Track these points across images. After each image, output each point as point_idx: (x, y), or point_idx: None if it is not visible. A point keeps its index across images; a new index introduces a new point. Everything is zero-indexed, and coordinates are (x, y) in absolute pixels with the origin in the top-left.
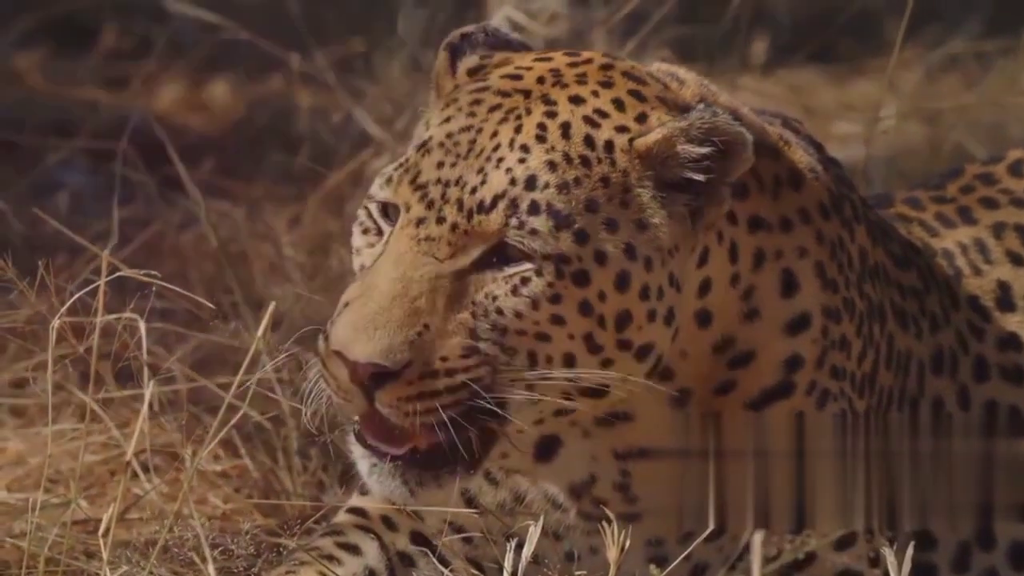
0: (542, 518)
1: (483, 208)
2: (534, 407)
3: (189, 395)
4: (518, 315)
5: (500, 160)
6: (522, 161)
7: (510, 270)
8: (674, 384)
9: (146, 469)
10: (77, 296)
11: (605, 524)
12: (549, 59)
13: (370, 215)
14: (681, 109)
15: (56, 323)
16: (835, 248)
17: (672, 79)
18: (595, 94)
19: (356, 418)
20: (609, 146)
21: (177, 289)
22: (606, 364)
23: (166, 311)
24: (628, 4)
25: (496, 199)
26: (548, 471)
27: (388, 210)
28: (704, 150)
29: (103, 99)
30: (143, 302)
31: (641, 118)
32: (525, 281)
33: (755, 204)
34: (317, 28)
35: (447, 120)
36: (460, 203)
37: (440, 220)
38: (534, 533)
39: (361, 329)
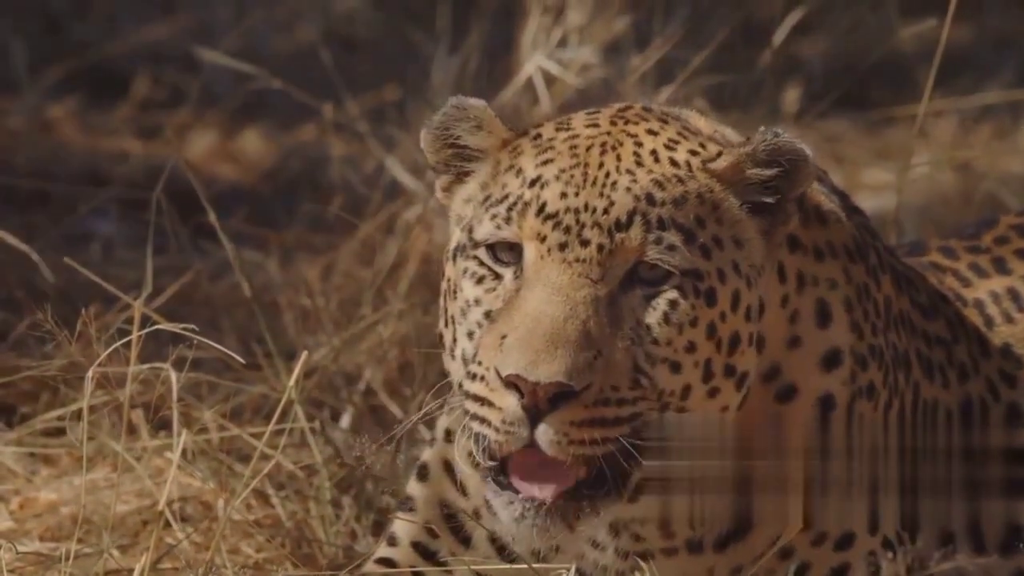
0: (573, 568)
1: (621, 226)
2: None
3: (222, 444)
4: (669, 342)
5: (614, 183)
6: (635, 182)
7: (654, 291)
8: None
9: (179, 519)
10: (115, 347)
11: None
12: (598, 111)
13: (481, 263)
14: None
15: (92, 372)
16: (861, 293)
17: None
18: (662, 128)
19: (493, 464)
20: (689, 166)
21: (211, 343)
22: (712, 394)
23: (198, 360)
24: (660, 54)
25: (630, 215)
26: (629, 508)
27: (498, 252)
28: (772, 171)
29: (136, 149)
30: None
31: (703, 146)
32: (674, 305)
33: (791, 224)
34: (349, 77)
35: (548, 162)
36: (597, 225)
37: (584, 243)
38: None
39: (542, 350)
